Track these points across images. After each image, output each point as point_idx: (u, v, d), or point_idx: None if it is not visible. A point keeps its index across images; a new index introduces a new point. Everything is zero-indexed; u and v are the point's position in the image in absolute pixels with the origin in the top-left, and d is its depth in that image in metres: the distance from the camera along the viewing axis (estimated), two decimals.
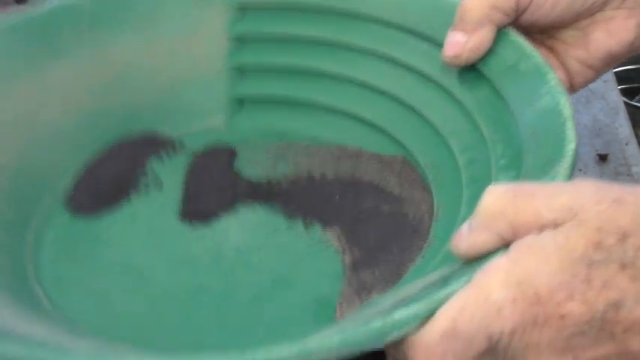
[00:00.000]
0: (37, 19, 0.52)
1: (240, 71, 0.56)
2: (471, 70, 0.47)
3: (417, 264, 0.43)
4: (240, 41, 0.56)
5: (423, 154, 0.49)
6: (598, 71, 0.49)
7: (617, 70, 0.96)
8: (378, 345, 0.31)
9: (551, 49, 0.50)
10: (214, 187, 0.50)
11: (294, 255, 0.46)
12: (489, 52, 0.46)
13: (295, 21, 0.55)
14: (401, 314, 0.31)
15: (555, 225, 0.31)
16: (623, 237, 0.30)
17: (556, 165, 0.37)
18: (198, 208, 0.49)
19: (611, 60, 0.49)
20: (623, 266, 0.30)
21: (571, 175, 0.37)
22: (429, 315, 0.31)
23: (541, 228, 0.31)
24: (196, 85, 0.55)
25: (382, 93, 0.52)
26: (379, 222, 0.46)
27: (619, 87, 0.71)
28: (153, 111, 0.54)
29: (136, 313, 0.43)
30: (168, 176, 0.51)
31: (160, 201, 0.50)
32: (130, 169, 0.52)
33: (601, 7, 0.47)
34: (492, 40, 0.46)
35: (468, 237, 0.33)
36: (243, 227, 0.48)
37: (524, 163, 0.40)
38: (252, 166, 0.52)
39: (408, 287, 0.37)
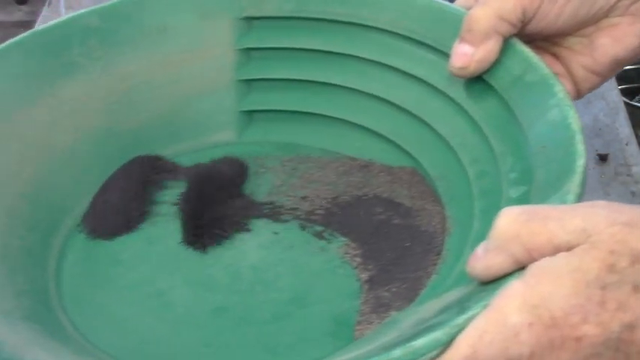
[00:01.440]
0: (45, 34, 0.52)
1: (249, 84, 0.56)
2: (478, 81, 0.47)
3: (432, 281, 0.43)
4: (248, 54, 0.56)
5: (432, 165, 0.50)
6: (604, 77, 0.50)
7: None
8: None
9: (556, 56, 0.50)
10: (225, 206, 0.50)
11: (311, 272, 0.46)
12: (496, 63, 0.46)
13: (302, 32, 0.55)
14: (421, 342, 0.31)
15: (569, 247, 0.32)
16: (636, 259, 0.30)
17: (567, 182, 0.37)
18: (211, 231, 0.49)
19: (617, 66, 0.49)
20: (636, 288, 0.30)
21: (582, 192, 0.38)
22: (449, 341, 0.32)
23: (555, 250, 0.32)
24: (206, 99, 0.56)
25: (390, 104, 0.52)
26: (392, 235, 0.47)
27: (619, 87, 0.72)
28: (163, 127, 0.55)
29: (159, 338, 0.43)
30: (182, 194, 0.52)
31: (175, 221, 0.50)
32: (143, 189, 0.52)
33: (606, 14, 0.48)
34: (499, 51, 0.46)
35: (483, 259, 0.34)
36: (259, 244, 0.48)
37: (534, 178, 0.40)
38: (265, 181, 0.52)
39: (426, 308, 0.38)
